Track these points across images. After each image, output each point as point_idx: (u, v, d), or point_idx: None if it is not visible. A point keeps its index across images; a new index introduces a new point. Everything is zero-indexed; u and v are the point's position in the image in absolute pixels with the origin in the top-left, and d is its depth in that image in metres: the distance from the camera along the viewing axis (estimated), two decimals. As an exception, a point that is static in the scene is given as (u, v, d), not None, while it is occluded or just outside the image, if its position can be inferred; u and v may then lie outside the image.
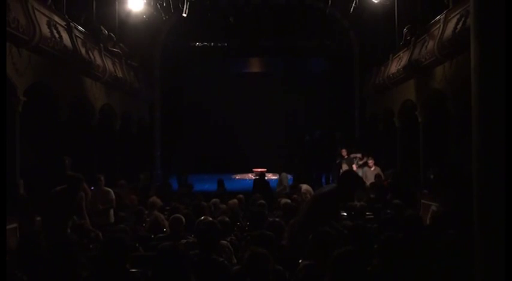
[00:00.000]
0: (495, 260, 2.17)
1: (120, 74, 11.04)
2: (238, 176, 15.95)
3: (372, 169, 10.70)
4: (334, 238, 3.27)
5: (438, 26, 8.33)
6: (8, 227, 5.57)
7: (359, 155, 11.37)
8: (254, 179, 11.60)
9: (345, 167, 11.07)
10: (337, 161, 11.88)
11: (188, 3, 11.60)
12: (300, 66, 17.78)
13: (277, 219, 4.69)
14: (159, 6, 11.72)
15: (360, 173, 10.09)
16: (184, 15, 11.88)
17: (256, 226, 4.79)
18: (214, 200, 6.94)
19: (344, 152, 11.84)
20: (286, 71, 17.77)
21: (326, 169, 12.77)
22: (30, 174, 6.89)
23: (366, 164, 10.95)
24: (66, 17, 8.18)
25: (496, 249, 2.16)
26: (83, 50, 8.68)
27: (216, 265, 3.26)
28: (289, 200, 6.58)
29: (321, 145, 13.16)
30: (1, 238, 2.80)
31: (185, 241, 4.33)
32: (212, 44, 16.64)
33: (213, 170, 15.39)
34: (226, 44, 16.40)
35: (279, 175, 11.64)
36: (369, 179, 10.19)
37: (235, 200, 7.42)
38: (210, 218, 4.64)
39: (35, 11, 6.73)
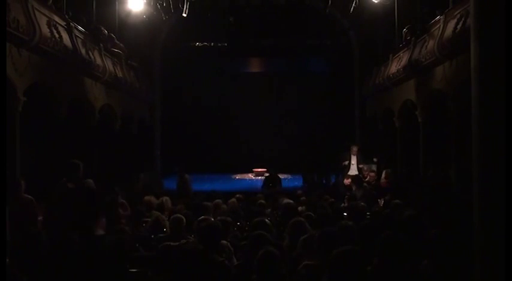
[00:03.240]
0: (495, 259, 2.17)
1: (120, 74, 11.03)
2: (238, 176, 15.95)
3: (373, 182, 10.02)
4: (337, 237, 3.28)
5: (438, 26, 8.33)
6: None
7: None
8: (265, 177, 11.46)
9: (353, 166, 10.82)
10: (346, 163, 11.09)
11: (188, 3, 11.58)
12: (300, 66, 17.78)
13: (267, 219, 4.68)
14: (159, 6, 11.71)
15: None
16: (184, 15, 11.86)
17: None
18: (217, 200, 6.94)
19: (355, 149, 10.96)
20: (287, 71, 17.77)
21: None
22: (31, 174, 6.87)
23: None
24: (66, 17, 8.18)
25: (495, 249, 2.16)
26: (83, 50, 8.67)
27: (216, 264, 3.26)
28: (290, 201, 6.57)
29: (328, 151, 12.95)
30: (1, 238, 2.80)
31: (185, 241, 4.33)
32: (212, 44, 16.63)
33: (213, 170, 15.40)
34: (226, 44, 16.40)
35: (182, 176, 10.63)
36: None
37: (233, 200, 7.41)
38: (211, 218, 4.64)
39: (35, 11, 6.72)
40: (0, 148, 3.14)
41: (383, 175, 10.12)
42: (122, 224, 5.76)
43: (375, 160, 10.99)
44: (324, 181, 12.63)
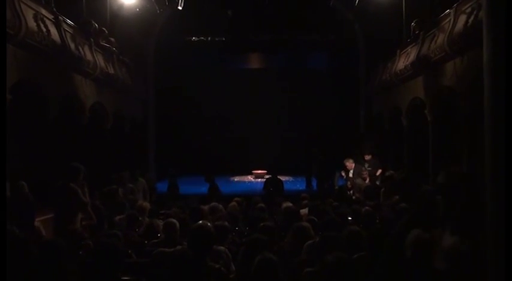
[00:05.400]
0: (508, 263, 2.17)
1: (111, 71, 11.03)
2: (237, 179, 15.94)
3: (367, 181, 9.84)
4: (339, 243, 3.28)
5: (448, 19, 8.34)
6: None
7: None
8: (266, 179, 11.44)
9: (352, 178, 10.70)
10: (342, 175, 10.96)
11: (184, -4, 11.61)
12: (301, 62, 17.78)
13: (270, 224, 4.69)
14: (152, -1, 11.73)
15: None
16: (180, 8, 11.88)
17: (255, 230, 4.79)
18: (213, 203, 6.94)
19: (350, 163, 10.59)
20: (287, 67, 17.77)
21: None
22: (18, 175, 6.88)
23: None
24: (55, 9, 8.18)
25: (509, 252, 2.16)
26: (72, 45, 8.67)
27: (213, 272, 3.25)
28: (290, 204, 6.58)
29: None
30: (1, 238, 2.82)
31: (180, 246, 4.32)
32: (209, 38, 16.64)
33: (210, 172, 15.36)
34: (223, 39, 16.40)
35: (137, 180, 9.94)
36: (361, 191, 9.32)
37: (234, 204, 7.42)
38: (207, 223, 4.63)
39: (21, 3, 6.72)
40: (0, 148, 3.16)
41: (379, 177, 10.12)
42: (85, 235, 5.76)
43: (366, 159, 10.81)
44: (331, 183, 12.60)
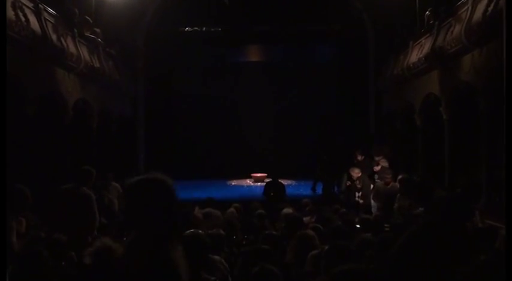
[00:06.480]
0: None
1: (97, 64, 11.03)
2: (234, 182, 15.96)
3: (389, 186, 9.46)
4: (348, 253, 3.29)
5: (466, 8, 8.35)
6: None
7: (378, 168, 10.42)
8: (266, 183, 11.43)
9: (357, 172, 10.70)
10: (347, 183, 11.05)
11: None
12: (305, 55, 17.77)
13: (274, 232, 4.70)
14: (142, -15, 11.73)
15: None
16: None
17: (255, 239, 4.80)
18: (208, 209, 6.95)
19: (356, 173, 10.54)
20: (290, 61, 17.76)
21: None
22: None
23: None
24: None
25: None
26: (54, 36, 8.67)
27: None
28: (291, 210, 6.60)
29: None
30: (1, 238, 2.84)
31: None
32: (204, 29, 16.62)
33: (206, 175, 15.40)
34: (220, 30, 16.39)
35: (109, 185, 9.64)
36: (380, 197, 9.23)
37: (232, 210, 7.44)
38: (199, 231, 4.63)
39: (-2, -10, 6.73)
40: (1, 149, 3.19)
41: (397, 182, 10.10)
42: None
43: (376, 170, 10.71)
44: (337, 188, 12.62)
